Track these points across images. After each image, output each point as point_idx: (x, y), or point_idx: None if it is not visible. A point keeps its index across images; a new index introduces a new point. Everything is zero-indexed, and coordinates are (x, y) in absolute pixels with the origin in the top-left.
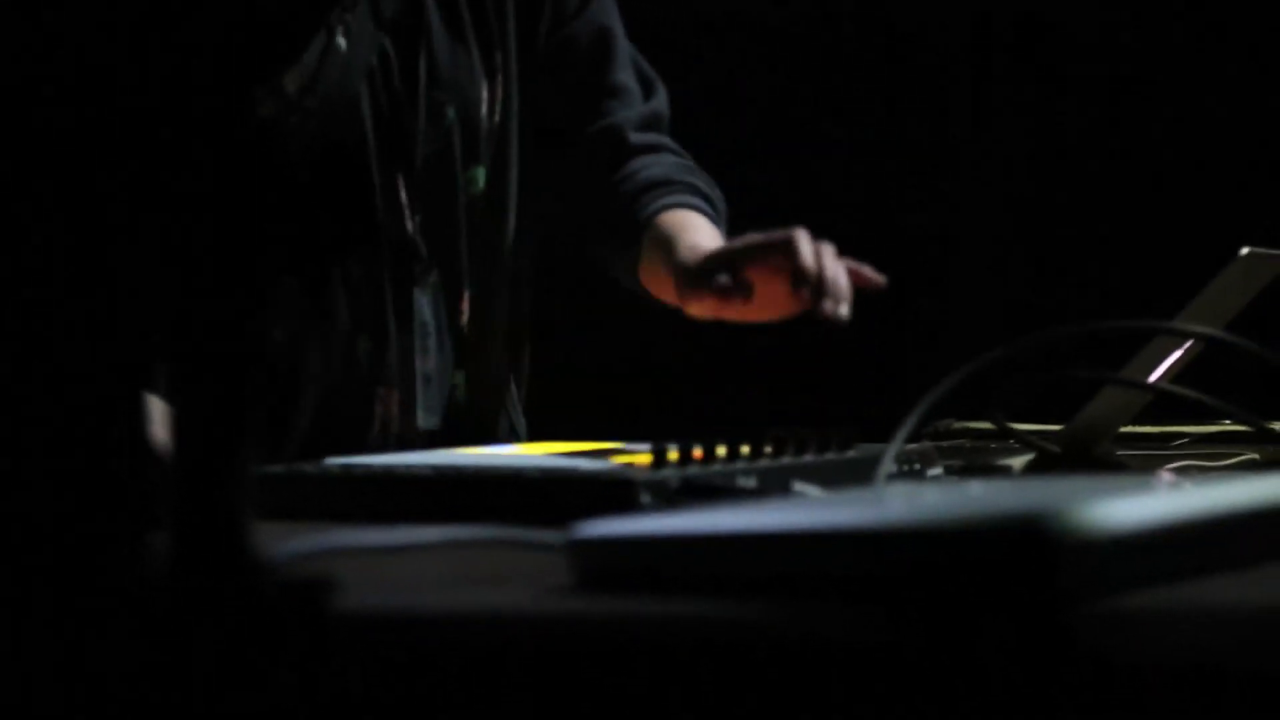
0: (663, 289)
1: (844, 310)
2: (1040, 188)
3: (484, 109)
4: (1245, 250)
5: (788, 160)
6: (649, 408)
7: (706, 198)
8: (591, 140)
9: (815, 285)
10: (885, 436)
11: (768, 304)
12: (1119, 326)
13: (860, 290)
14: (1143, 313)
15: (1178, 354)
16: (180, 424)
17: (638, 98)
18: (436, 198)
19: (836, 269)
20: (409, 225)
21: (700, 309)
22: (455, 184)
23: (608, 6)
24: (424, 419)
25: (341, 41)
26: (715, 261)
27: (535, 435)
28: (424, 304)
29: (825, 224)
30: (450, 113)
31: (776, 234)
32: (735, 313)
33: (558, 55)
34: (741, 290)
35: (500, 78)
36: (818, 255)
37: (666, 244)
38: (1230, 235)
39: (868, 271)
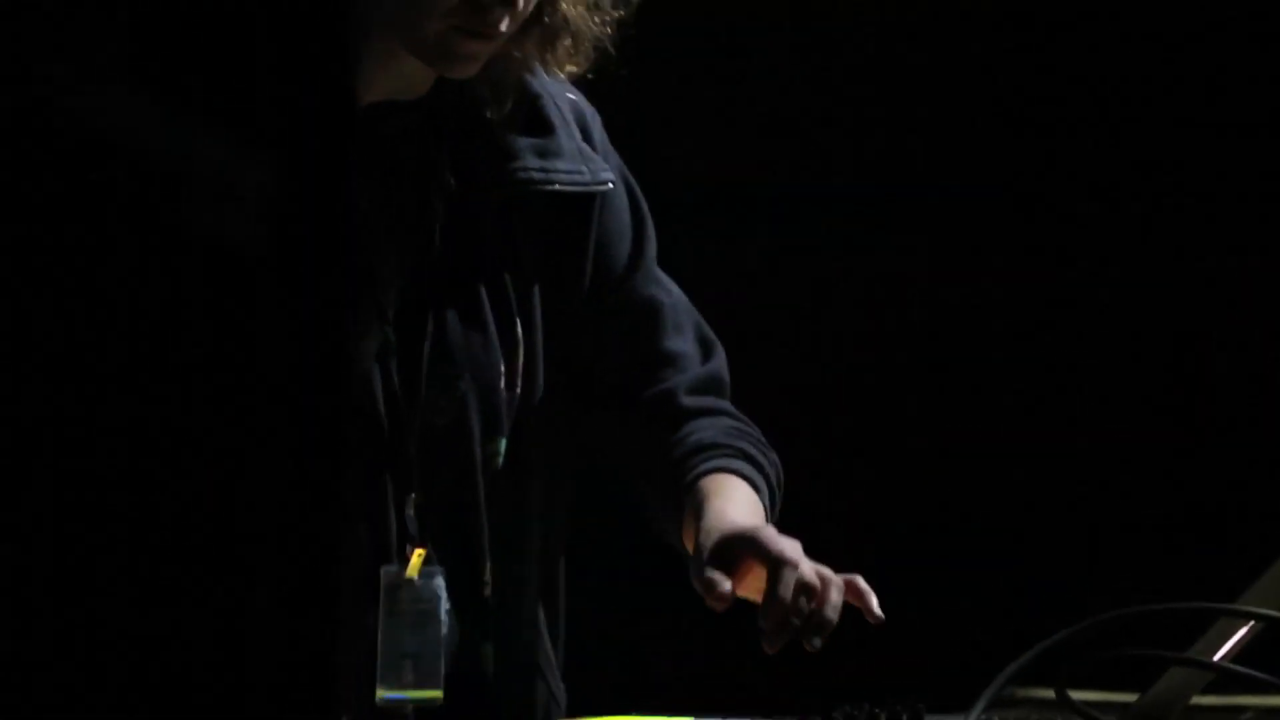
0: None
1: (817, 643)
2: (1101, 474)
3: (502, 382)
4: None
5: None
6: (690, 673)
7: (753, 461)
8: (645, 405)
9: (797, 619)
10: (943, 704)
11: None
12: (1183, 608)
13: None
14: (1220, 589)
15: (1243, 631)
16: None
17: (694, 362)
18: (451, 470)
19: (828, 605)
20: (407, 506)
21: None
22: (471, 457)
23: (651, 273)
24: (427, 691)
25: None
26: (717, 554)
27: (575, 702)
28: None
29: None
30: (462, 385)
31: (776, 555)
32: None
33: (603, 326)
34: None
35: (521, 350)
36: (815, 586)
37: (697, 513)
38: None
39: (871, 602)
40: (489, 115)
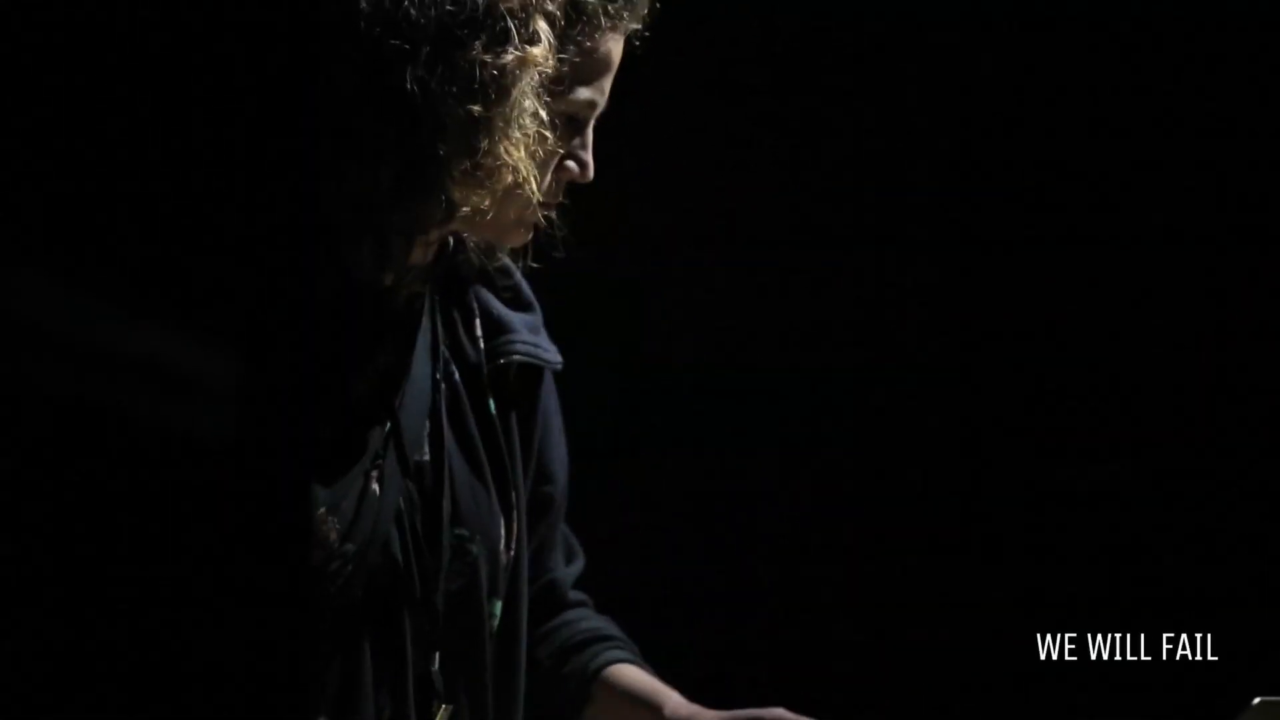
0: None
1: None
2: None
3: (501, 544)
4: (1257, 700)
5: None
6: None
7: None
8: (536, 591)
9: None
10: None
11: None
12: None
13: None
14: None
15: None
16: None
17: (577, 555)
18: (462, 632)
19: None
20: (432, 663)
21: None
22: (481, 618)
23: (557, 470)
24: None
25: (375, 488)
26: None
27: None
28: None
29: None
30: (474, 549)
31: (766, 714)
32: None
33: (531, 510)
34: None
35: (515, 514)
36: None
37: (637, 697)
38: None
39: None
40: (491, 273)
